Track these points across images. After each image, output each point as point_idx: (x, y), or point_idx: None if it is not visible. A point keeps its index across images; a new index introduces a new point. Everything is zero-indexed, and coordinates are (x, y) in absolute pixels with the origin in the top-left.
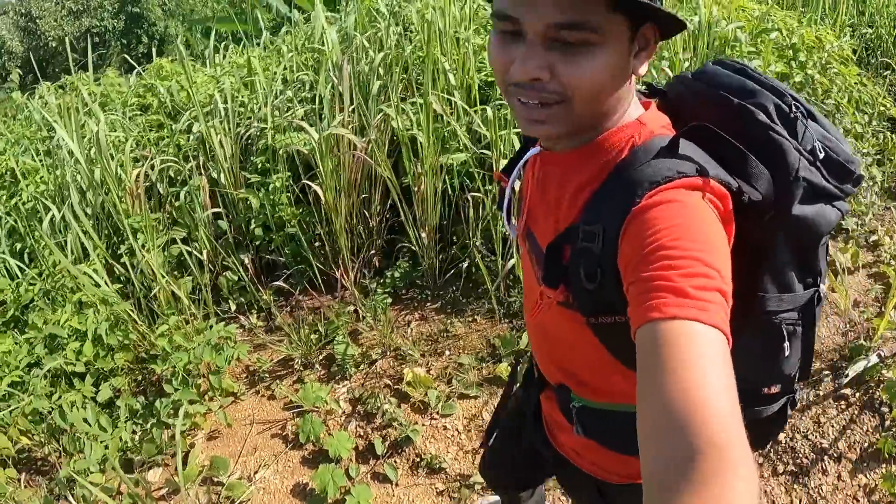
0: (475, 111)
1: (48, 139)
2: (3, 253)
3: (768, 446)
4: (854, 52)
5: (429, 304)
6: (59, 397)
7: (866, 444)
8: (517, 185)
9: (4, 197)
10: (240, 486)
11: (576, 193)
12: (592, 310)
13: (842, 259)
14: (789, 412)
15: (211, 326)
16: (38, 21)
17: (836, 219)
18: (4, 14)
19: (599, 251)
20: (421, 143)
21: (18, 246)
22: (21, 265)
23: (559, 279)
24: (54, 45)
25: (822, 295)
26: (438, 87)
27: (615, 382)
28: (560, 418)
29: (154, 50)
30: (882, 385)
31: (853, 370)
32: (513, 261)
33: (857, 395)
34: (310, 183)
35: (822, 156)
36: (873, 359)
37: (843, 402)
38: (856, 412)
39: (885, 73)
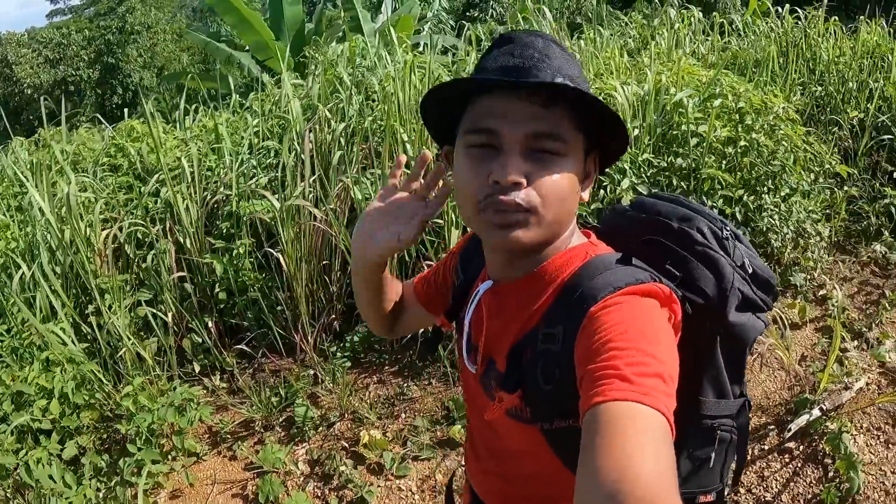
0: None
1: (20, 195)
2: None
3: None
4: (805, 109)
5: (387, 367)
6: (26, 453)
7: (810, 496)
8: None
9: None
10: None
11: (536, 307)
12: (547, 414)
13: (788, 314)
14: None
15: (175, 388)
16: (14, 67)
17: (762, 329)
18: None
19: (559, 351)
20: None
21: None
22: None
23: (517, 382)
24: (30, 92)
25: (750, 404)
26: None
27: (563, 492)
28: None
29: (130, 100)
30: (825, 437)
31: (796, 424)
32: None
33: (801, 448)
34: (271, 251)
35: (750, 271)
36: (816, 412)
37: (787, 456)
38: (799, 465)
39: (833, 130)
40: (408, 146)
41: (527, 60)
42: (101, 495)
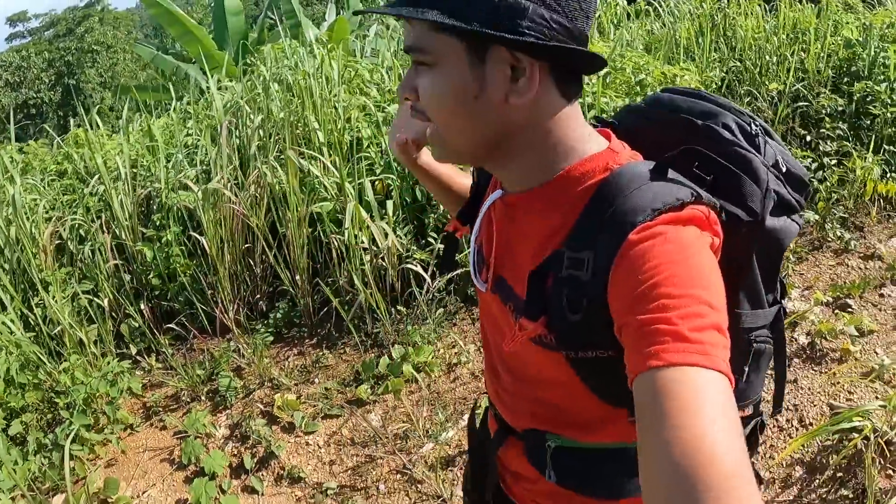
0: (332, 162)
1: None
2: None
3: None
4: (723, 82)
5: (307, 340)
6: None
7: None
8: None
9: None
10: (125, 500)
11: (556, 222)
12: (573, 344)
13: None
14: (760, 437)
15: (108, 363)
16: None
17: (796, 232)
18: None
19: (588, 279)
20: (286, 194)
21: None
22: None
23: (541, 309)
24: None
25: (785, 310)
26: (314, 146)
27: (594, 419)
28: (524, 469)
29: (94, 120)
30: None
31: None
32: (361, 296)
33: None
34: (196, 235)
35: (784, 170)
36: None
37: None
38: None
39: (748, 101)
40: (319, 133)
41: None
42: (43, 469)
